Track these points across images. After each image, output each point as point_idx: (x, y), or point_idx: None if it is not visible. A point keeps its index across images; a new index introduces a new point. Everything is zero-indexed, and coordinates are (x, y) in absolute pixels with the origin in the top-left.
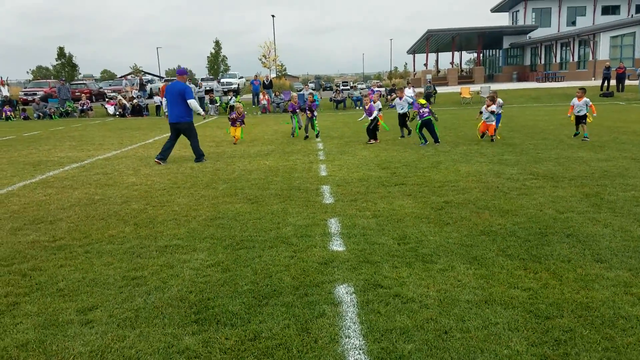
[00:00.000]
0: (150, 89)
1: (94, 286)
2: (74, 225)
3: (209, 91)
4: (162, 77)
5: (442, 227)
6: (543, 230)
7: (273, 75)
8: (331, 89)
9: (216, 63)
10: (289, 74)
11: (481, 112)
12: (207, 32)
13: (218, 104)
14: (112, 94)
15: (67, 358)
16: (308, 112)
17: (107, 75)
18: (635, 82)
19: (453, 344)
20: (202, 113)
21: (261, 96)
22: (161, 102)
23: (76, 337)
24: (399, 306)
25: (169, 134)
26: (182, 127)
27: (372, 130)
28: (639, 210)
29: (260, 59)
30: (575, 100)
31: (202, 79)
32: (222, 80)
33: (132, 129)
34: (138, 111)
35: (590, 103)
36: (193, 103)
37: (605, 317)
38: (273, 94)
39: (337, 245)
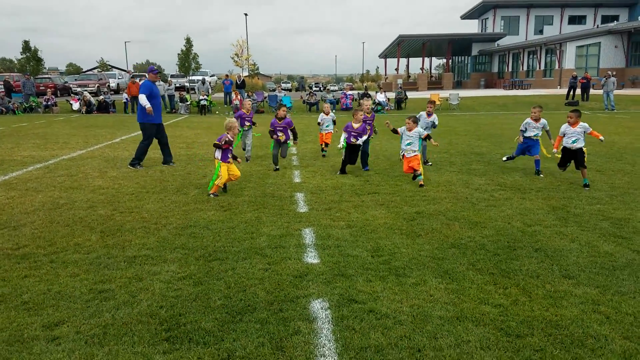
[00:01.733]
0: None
1: (60, 299)
2: (38, 232)
3: (179, 88)
4: (130, 72)
5: (414, 239)
6: (511, 244)
7: (245, 74)
8: (304, 89)
9: (187, 60)
10: (261, 73)
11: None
12: (178, 29)
13: (188, 103)
14: (77, 89)
15: None
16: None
17: (73, 69)
18: (600, 92)
19: None
20: (148, 106)
21: (233, 96)
22: (127, 99)
23: (42, 355)
24: (373, 322)
25: (137, 132)
26: (140, 127)
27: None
28: (604, 225)
29: (233, 58)
30: (566, 128)
31: (172, 76)
32: (191, 78)
33: (98, 126)
34: (104, 108)
35: (590, 129)
36: (140, 98)
37: (574, 336)
38: (246, 94)
39: (311, 257)
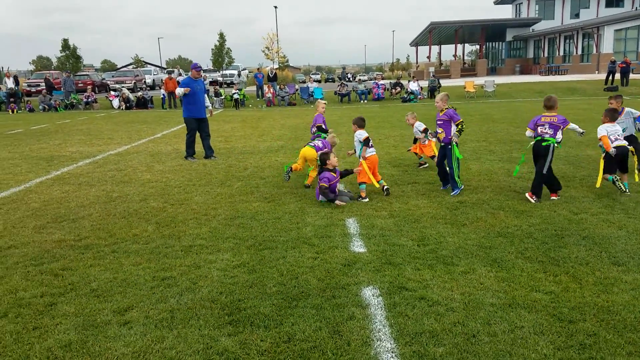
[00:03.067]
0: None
1: (127, 286)
2: (96, 224)
3: (212, 83)
4: (164, 68)
5: (459, 228)
6: (559, 232)
7: (276, 66)
8: (333, 81)
9: (220, 55)
10: (291, 65)
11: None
12: (208, 22)
13: (223, 97)
14: (115, 86)
15: (111, 359)
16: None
17: (108, 66)
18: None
19: (482, 348)
20: (180, 92)
21: (266, 89)
22: (164, 95)
23: (117, 338)
24: (425, 309)
25: (178, 127)
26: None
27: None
28: None
29: (264, 51)
30: (608, 125)
31: (205, 71)
32: (224, 72)
33: (139, 122)
34: (143, 104)
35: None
36: (176, 91)
37: (627, 321)
38: (278, 87)
39: (358, 247)
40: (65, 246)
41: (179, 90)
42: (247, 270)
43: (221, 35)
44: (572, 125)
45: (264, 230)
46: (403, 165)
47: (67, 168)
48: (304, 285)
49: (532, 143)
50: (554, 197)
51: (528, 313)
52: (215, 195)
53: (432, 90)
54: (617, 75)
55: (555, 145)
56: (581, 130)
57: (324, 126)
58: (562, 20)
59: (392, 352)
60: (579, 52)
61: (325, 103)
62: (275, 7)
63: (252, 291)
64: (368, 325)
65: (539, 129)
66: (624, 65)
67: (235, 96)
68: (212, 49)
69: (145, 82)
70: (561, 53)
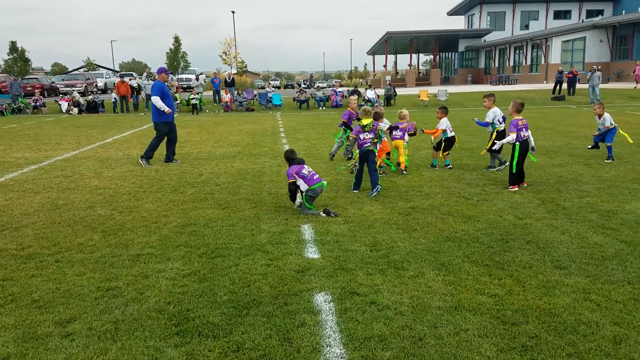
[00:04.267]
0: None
1: (69, 297)
2: (40, 232)
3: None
4: (117, 71)
5: (410, 233)
6: (504, 237)
7: (234, 72)
8: (292, 87)
9: (176, 59)
10: (249, 70)
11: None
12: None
13: (178, 102)
14: (65, 90)
15: None
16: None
17: (59, 69)
18: (586, 86)
19: (428, 351)
20: (165, 109)
21: (223, 94)
22: (116, 98)
23: (58, 351)
24: (375, 314)
25: (129, 132)
26: (154, 127)
27: None
28: (593, 217)
29: (221, 56)
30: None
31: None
32: (181, 77)
33: (89, 127)
34: (93, 108)
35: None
36: (154, 100)
37: (567, 323)
38: (235, 92)
39: (312, 253)
40: (7, 256)
41: (161, 104)
42: (197, 279)
43: (177, 39)
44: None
45: (217, 238)
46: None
47: (12, 175)
48: (256, 293)
49: (517, 143)
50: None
51: (473, 316)
52: (167, 202)
53: (388, 99)
54: (565, 85)
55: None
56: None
57: (349, 122)
58: (512, 31)
59: (341, 358)
60: (528, 62)
61: (356, 99)
62: (233, 12)
63: (202, 300)
64: (318, 332)
65: (521, 133)
66: (571, 75)
67: (193, 101)
68: (167, 53)
69: (96, 85)
70: (511, 63)
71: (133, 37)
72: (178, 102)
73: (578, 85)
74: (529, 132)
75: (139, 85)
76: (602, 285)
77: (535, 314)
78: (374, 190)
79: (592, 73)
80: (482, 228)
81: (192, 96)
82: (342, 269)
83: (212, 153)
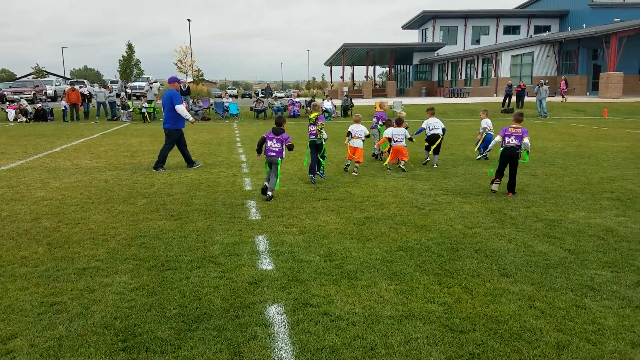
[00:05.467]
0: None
1: (11, 313)
2: None
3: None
4: (67, 78)
5: (364, 243)
6: (454, 246)
7: (189, 80)
8: (250, 96)
9: (129, 67)
10: (206, 79)
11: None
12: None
13: (131, 110)
14: (13, 97)
15: None
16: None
17: (6, 75)
18: (533, 99)
19: None
20: (190, 119)
21: None
22: (66, 106)
23: None
24: (327, 324)
25: (79, 141)
26: (167, 133)
27: None
28: (538, 226)
29: (176, 64)
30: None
31: (112, 82)
32: (134, 84)
33: (37, 135)
34: (42, 116)
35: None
36: (179, 108)
37: (512, 330)
38: (191, 101)
39: (265, 264)
40: None
41: (187, 113)
42: (146, 293)
43: (130, 46)
44: (526, 140)
45: (168, 250)
46: (316, 182)
47: None
48: (207, 306)
49: (501, 149)
50: (508, 194)
51: (423, 324)
52: (117, 214)
53: (345, 109)
54: (514, 98)
55: (520, 152)
56: (529, 147)
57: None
58: (464, 45)
59: None
60: (479, 76)
61: (387, 102)
62: (189, 20)
63: (150, 315)
64: (270, 345)
65: (506, 139)
66: (520, 89)
67: (144, 109)
68: (119, 60)
69: (46, 93)
70: (463, 77)
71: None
72: (130, 110)
73: (526, 99)
74: (522, 140)
75: (90, 93)
76: (546, 293)
77: (482, 322)
78: (321, 174)
79: (539, 87)
80: (434, 237)
81: (143, 104)
82: (295, 280)
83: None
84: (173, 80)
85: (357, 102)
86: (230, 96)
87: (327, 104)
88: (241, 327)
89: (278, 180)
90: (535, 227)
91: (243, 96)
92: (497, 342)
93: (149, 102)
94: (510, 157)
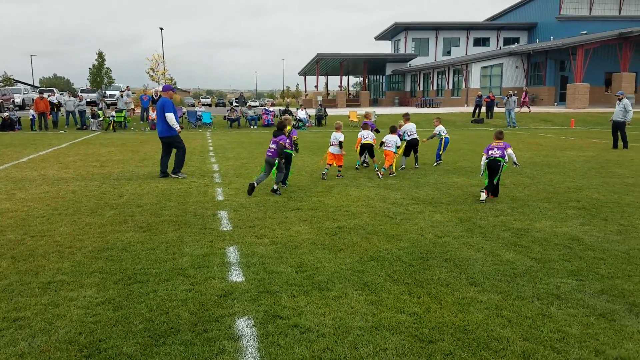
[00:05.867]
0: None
1: None
2: None
3: (90, 103)
4: (36, 87)
5: (336, 253)
6: (424, 255)
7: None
8: (224, 105)
9: (99, 75)
10: (179, 87)
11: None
12: (87, 40)
13: (101, 119)
14: None
15: None
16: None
17: None
18: (503, 110)
19: None
20: (177, 128)
21: (150, 112)
22: (34, 115)
23: None
24: (297, 337)
25: (47, 150)
26: (167, 140)
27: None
28: (506, 235)
29: (149, 72)
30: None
31: (82, 91)
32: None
33: (3, 145)
34: (9, 125)
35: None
36: (169, 116)
37: (480, 340)
38: None
39: (236, 276)
40: None
41: (175, 122)
42: (112, 307)
43: (100, 55)
44: (509, 151)
45: (136, 263)
46: (288, 191)
47: None
48: (175, 320)
49: (486, 161)
50: (490, 197)
51: (392, 335)
52: (84, 226)
53: (319, 119)
54: (484, 109)
55: (504, 163)
56: (515, 160)
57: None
58: (436, 57)
59: None
60: (450, 86)
61: (372, 112)
62: (161, 28)
63: (116, 330)
64: (238, 359)
65: (490, 152)
66: (489, 99)
67: (111, 117)
68: (90, 68)
69: (13, 101)
70: (435, 87)
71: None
72: (101, 119)
73: (496, 109)
74: (506, 151)
75: (59, 101)
76: (513, 302)
77: (450, 331)
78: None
79: (508, 98)
80: (404, 247)
81: (110, 113)
82: (266, 291)
83: (135, 173)
84: (167, 88)
85: (331, 111)
86: (203, 105)
87: (302, 113)
88: (209, 341)
89: (290, 173)
90: (503, 236)
91: (217, 105)
92: (465, 352)
93: (119, 110)
94: (493, 167)
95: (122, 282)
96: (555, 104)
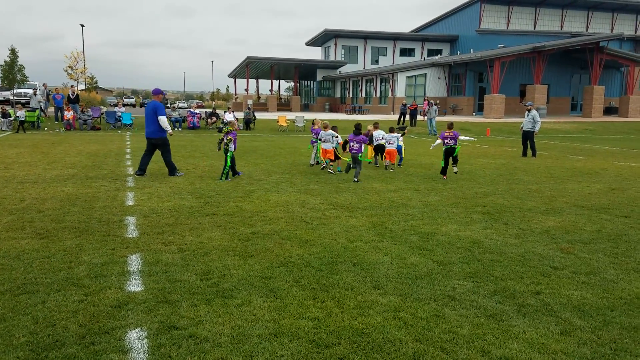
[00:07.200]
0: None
1: None
2: None
3: (2, 102)
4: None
5: (246, 260)
6: (334, 259)
7: (81, 87)
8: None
9: (11, 72)
10: (101, 87)
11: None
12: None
13: (12, 118)
14: None
15: None
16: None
17: None
18: (425, 118)
19: None
20: (169, 131)
21: (66, 111)
22: None
23: None
24: (191, 348)
25: None
26: (156, 142)
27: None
28: (413, 239)
29: (67, 70)
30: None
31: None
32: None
33: None
34: None
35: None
36: (162, 119)
37: (375, 342)
38: (79, 109)
39: (134, 285)
40: None
41: (165, 123)
42: None
43: (12, 51)
44: (461, 137)
45: (27, 272)
46: (205, 196)
47: None
48: (61, 332)
49: (443, 148)
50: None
51: (290, 341)
52: None
53: (248, 122)
54: (408, 117)
55: (455, 147)
56: (469, 137)
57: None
58: (364, 65)
59: None
60: (378, 94)
61: (320, 121)
62: (82, 25)
63: None
64: None
65: (446, 141)
66: (412, 108)
67: (21, 117)
68: (1, 65)
69: None
70: (363, 94)
71: None
72: (12, 118)
73: (419, 117)
74: (458, 139)
75: None
76: (411, 303)
77: (348, 335)
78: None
79: (429, 107)
80: (316, 252)
81: (17, 112)
82: (165, 301)
83: (41, 176)
84: (157, 92)
85: (261, 115)
86: (125, 105)
87: (229, 116)
88: (95, 354)
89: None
90: (410, 240)
91: (142, 105)
92: (359, 355)
93: (32, 110)
94: (449, 152)
95: (9, 293)
96: (474, 113)
